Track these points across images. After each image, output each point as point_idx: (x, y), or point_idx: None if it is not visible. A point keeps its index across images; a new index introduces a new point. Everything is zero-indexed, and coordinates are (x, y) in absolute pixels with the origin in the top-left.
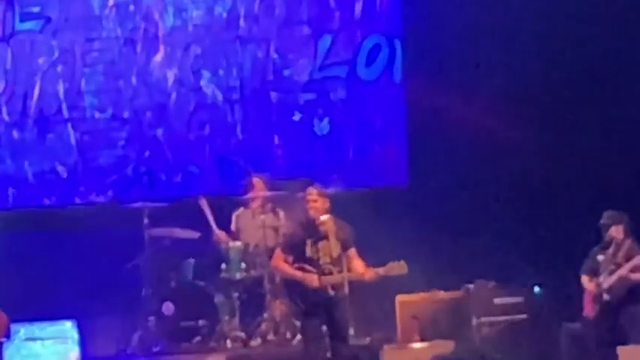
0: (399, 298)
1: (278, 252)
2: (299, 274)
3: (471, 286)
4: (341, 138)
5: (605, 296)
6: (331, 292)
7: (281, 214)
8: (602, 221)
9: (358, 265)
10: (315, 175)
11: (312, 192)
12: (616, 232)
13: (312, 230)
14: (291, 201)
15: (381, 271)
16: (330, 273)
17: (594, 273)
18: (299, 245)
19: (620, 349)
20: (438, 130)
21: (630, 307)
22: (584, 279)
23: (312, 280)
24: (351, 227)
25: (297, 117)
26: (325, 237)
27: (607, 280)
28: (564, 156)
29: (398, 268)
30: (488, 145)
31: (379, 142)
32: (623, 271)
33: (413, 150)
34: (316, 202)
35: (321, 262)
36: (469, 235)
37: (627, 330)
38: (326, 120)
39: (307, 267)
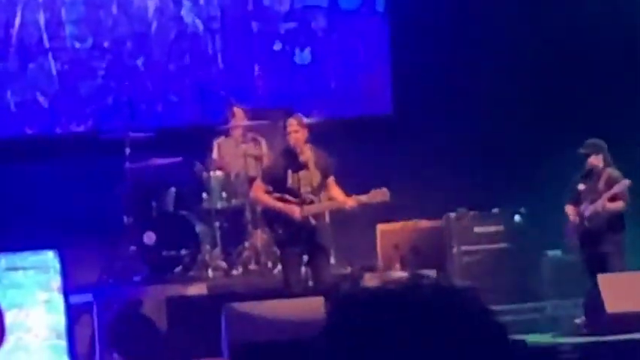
0: (380, 227)
1: (258, 182)
2: (279, 204)
3: (452, 215)
4: (322, 67)
5: (586, 224)
6: (312, 222)
7: (262, 143)
8: (581, 150)
9: (338, 194)
10: (297, 104)
11: (293, 122)
12: (595, 160)
13: (292, 160)
14: (273, 130)
15: (363, 198)
16: (311, 202)
17: (576, 202)
18: (279, 175)
19: (600, 277)
20: (421, 58)
21: (610, 235)
22: (568, 208)
23: (293, 211)
24: (331, 156)
25: (277, 46)
26: (305, 166)
27: (588, 209)
28: (546, 84)
29: (380, 195)
30: (471, 73)
31: (362, 71)
32: (603, 200)
33: (396, 78)
34: (297, 132)
35: (301, 191)
36: (451, 164)
37: (607, 258)
38: (307, 50)
39: (288, 197)
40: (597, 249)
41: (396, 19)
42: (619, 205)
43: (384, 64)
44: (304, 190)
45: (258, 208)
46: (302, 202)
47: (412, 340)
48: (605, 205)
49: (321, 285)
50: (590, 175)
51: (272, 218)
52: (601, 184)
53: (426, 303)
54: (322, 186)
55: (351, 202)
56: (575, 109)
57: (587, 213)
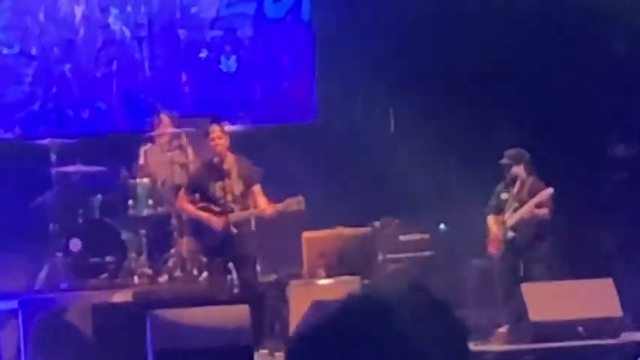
0: (306, 234)
1: (182, 193)
2: (204, 215)
3: (377, 223)
4: (248, 75)
5: (510, 234)
6: (235, 230)
7: (189, 150)
8: (503, 160)
9: (261, 202)
10: (223, 112)
11: (215, 130)
12: (518, 170)
13: (214, 169)
14: (199, 137)
15: (279, 206)
16: (232, 211)
17: (499, 211)
18: (202, 184)
19: (524, 286)
20: (346, 66)
21: (535, 244)
22: (490, 219)
23: (216, 222)
24: (256, 164)
25: (204, 54)
26: (228, 175)
27: (512, 218)
28: (468, 94)
29: (296, 204)
30: (394, 82)
31: (287, 79)
32: (527, 208)
33: (321, 86)
34: (220, 140)
35: (224, 200)
36: (376, 172)
37: (531, 267)
38: (233, 57)
39: (211, 206)
40: (522, 257)
41: (322, 28)
42: (544, 212)
43: (309, 72)
44: (226, 198)
45: (184, 216)
46: (223, 211)
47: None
48: (533, 211)
49: (246, 292)
50: (513, 184)
51: (197, 227)
52: (524, 193)
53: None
54: (246, 194)
55: (269, 210)
56: (498, 120)
57: (510, 222)
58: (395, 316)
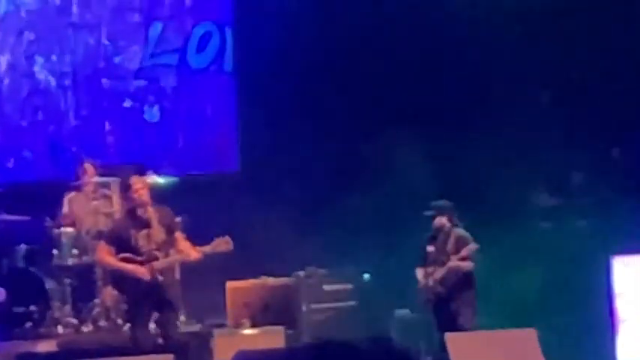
0: (229, 284)
1: (102, 244)
2: (129, 267)
3: (301, 273)
4: (171, 125)
5: (439, 288)
6: (160, 278)
7: (113, 199)
8: (427, 212)
9: (185, 247)
10: (147, 161)
11: (136, 180)
12: (441, 221)
13: (135, 219)
14: (122, 188)
15: (207, 248)
16: (156, 259)
17: (425, 264)
18: (123, 235)
19: (448, 336)
20: (268, 117)
21: (460, 294)
22: (419, 271)
23: (139, 270)
24: (178, 213)
25: (128, 104)
26: (149, 224)
27: (439, 271)
28: (394, 139)
29: (224, 244)
30: (316, 131)
31: (209, 129)
32: (452, 263)
33: (243, 136)
34: (142, 190)
35: (146, 249)
36: (300, 221)
37: (456, 316)
38: (156, 107)
39: (133, 257)
40: (447, 308)
41: (244, 79)
42: (469, 265)
43: (231, 122)
44: (148, 248)
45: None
46: (147, 260)
47: None
48: (458, 265)
49: (170, 342)
50: (438, 236)
51: (119, 278)
52: (449, 245)
53: None
54: (168, 242)
55: (195, 254)
56: (424, 170)
57: (437, 275)
58: None
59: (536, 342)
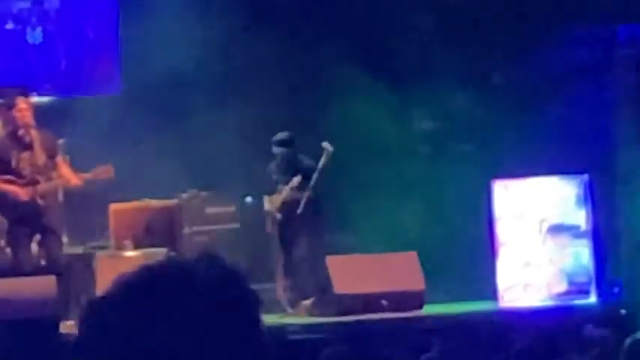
0: (112, 206)
1: None
2: (8, 187)
3: (184, 195)
4: (54, 47)
5: (278, 216)
6: (40, 202)
7: None
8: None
9: (65, 172)
10: (30, 83)
11: (19, 101)
12: (282, 151)
13: (16, 141)
14: (5, 110)
15: (88, 176)
16: (37, 182)
17: (272, 191)
18: (3, 156)
19: (329, 258)
20: (150, 39)
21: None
22: (265, 199)
23: (20, 193)
24: (60, 136)
25: (10, 26)
26: (30, 147)
27: (277, 200)
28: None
29: (105, 172)
30: (200, 53)
31: (92, 51)
32: (285, 191)
33: (126, 59)
34: (26, 111)
35: (27, 172)
36: (182, 144)
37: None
38: (39, 29)
39: (14, 178)
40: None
41: (126, 1)
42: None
43: (114, 45)
44: (29, 170)
45: None
46: (28, 183)
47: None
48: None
49: (52, 264)
50: (280, 165)
51: (1, 199)
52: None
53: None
54: (49, 166)
55: (76, 180)
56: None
57: (276, 204)
58: (185, 285)
59: (417, 264)
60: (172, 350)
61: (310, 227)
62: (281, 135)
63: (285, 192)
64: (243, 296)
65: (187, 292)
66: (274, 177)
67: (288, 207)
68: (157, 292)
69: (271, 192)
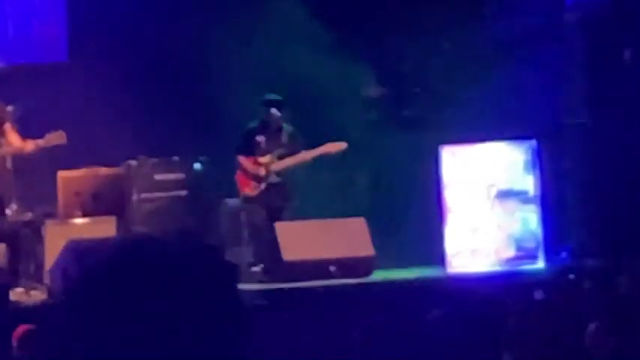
0: (61, 173)
1: None
2: None
3: (133, 162)
4: (0, 15)
5: (275, 178)
6: None
7: None
8: (266, 99)
9: (14, 140)
10: None
11: None
12: (275, 114)
13: None
14: None
15: (40, 142)
16: None
17: (253, 152)
18: None
19: (278, 225)
20: (97, 6)
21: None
22: (242, 158)
23: None
24: (12, 104)
25: None
26: None
27: (278, 164)
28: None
29: (57, 138)
30: (147, 17)
31: (39, 18)
32: (303, 157)
33: (72, 26)
34: None
35: None
36: (131, 111)
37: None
38: None
39: None
40: (281, 199)
41: None
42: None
43: (61, 11)
44: None
45: None
46: None
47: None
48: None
49: (1, 231)
50: (268, 127)
51: None
52: (283, 138)
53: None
54: None
55: (29, 147)
56: (252, 63)
57: (275, 167)
58: (164, 258)
59: (365, 231)
60: (159, 320)
61: (282, 195)
62: (273, 96)
63: (275, 158)
64: (224, 268)
65: (163, 265)
66: (258, 138)
67: (290, 173)
68: (133, 264)
69: (248, 153)
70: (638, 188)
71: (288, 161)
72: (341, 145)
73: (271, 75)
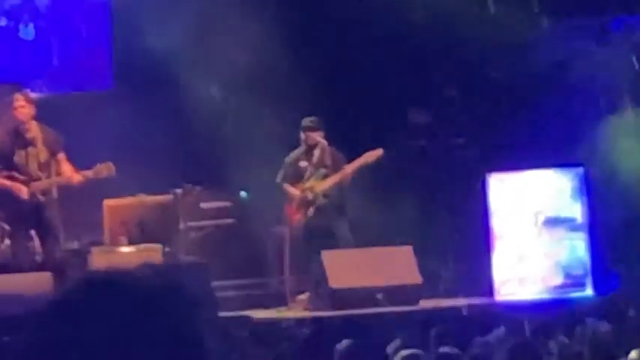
0: (107, 202)
1: None
2: (8, 183)
3: (179, 190)
4: (46, 43)
5: (322, 200)
6: (41, 198)
7: None
8: (303, 124)
9: (67, 169)
10: (24, 80)
11: (19, 98)
12: (314, 137)
13: (18, 137)
14: (1, 106)
15: (89, 173)
16: (39, 179)
17: (298, 179)
18: (6, 152)
19: (324, 253)
20: (142, 36)
21: (344, 209)
22: (287, 187)
23: (21, 190)
24: (58, 132)
25: (2, 22)
26: (32, 143)
27: (321, 185)
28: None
29: (106, 169)
30: (190, 48)
31: (84, 47)
32: (346, 172)
33: (117, 54)
34: (23, 108)
35: (29, 168)
36: (178, 139)
37: (339, 232)
38: (31, 25)
39: (15, 174)
40: (330, 223)
41: None
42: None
43: (105, 40)
44: (31, 167)
45: None
46: (29, 180)
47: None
48: (346, 176)
49: (49, 260)
50: (311, 151)
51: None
52: (327, 159)
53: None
54: (50, 163)
55: (77, 178)
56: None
57: (319, 189)
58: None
59: (412, 259)
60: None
61: (330, 216)
62: (311, 120)
63: (319, 179)
64: (183, 302)
65: (132, 301)
66: (302, 164)
67: (337, 192)
68: (101, 300)
69: (294, 181)
70: None
71: (332, 179)
72: (378, 152)
73: (320, 100)
